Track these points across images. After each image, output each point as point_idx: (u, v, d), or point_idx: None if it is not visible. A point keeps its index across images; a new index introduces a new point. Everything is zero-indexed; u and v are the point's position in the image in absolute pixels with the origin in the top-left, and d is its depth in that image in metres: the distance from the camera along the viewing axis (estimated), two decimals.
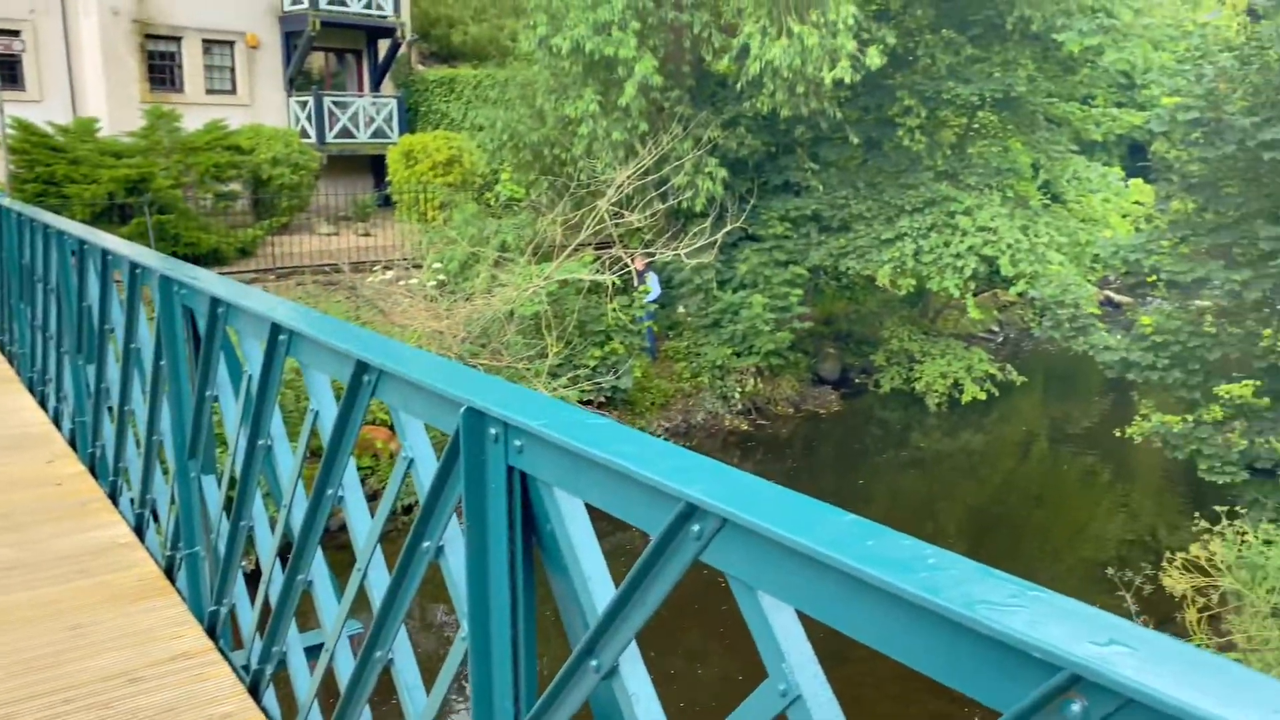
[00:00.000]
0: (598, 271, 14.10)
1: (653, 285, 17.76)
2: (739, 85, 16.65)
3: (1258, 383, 12.42)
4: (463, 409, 1.99)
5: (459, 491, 2.06)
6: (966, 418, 19.19)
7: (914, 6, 19.51)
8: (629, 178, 14.16)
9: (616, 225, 14.51)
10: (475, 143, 19.97)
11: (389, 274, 15.16)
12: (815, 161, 19.39)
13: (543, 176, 18.36)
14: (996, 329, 25.52)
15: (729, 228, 16.03)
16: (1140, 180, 22.76)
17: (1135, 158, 28.37)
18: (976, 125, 20.70)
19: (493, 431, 1.96)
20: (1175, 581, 8.59)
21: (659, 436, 16.97)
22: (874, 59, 15.33)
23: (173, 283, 3.89)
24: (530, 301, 13.42)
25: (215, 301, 3.51)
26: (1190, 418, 12.42)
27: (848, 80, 15.22)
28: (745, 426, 18.17)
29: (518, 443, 1.91)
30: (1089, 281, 17.94)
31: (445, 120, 25.52)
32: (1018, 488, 17.34)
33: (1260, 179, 12.72)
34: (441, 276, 15.34)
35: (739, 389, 18.38)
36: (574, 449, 1.72)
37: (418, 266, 17.46)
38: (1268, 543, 8.51)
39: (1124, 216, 20.66)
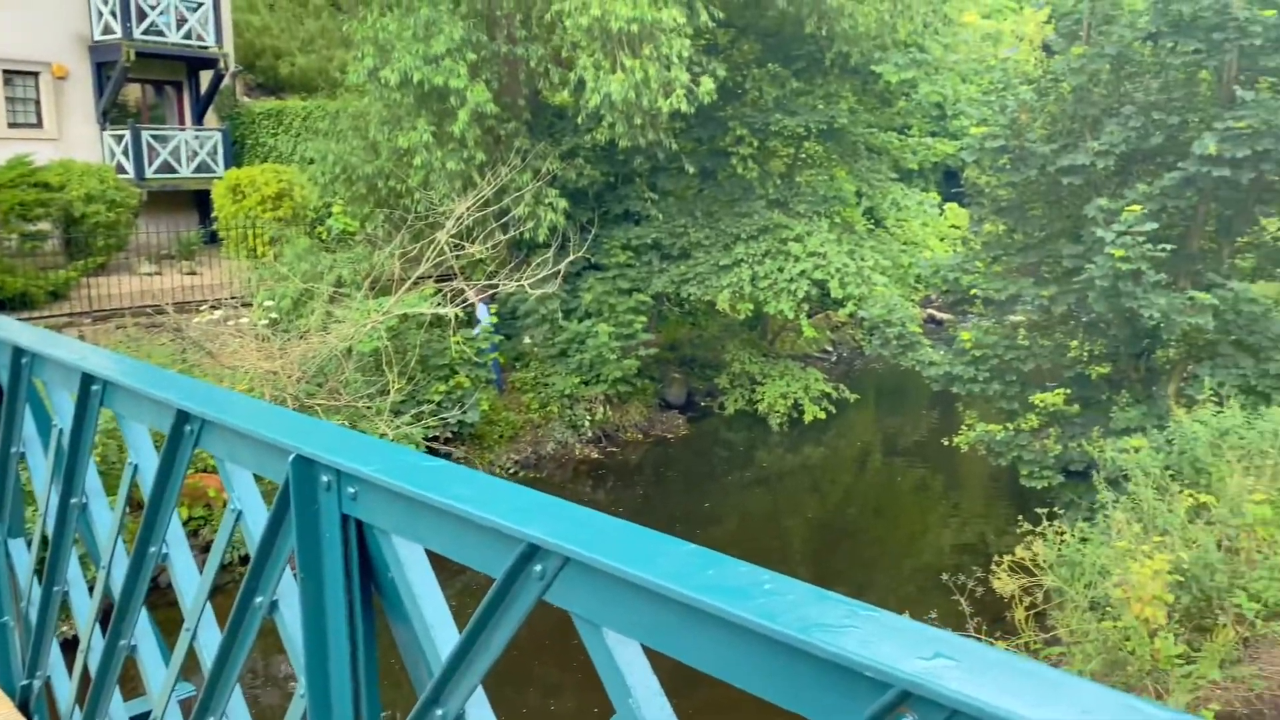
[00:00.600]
0: (439, 305, 13.88)
1: (482, 316, 17.51)
2: (578, 118, 16.81)
3: (1068, 391, 13.34)
4: (292, 457, 1.91)
5: (291, 543, 1.98)
6: (807, 435, 19.83)
7: (741, 42, 20.22)
8: (468, 209, 14.02)
9: (458, 257, 14.33)
10: (307, 176, 19.39)
11: (217, 314, 14.49)
12: (654, 191, 19.76)
13: (378, 209, 18.00)
14: (830, 349, 26.51)
15: (572, 257, 16.10)
16: (955, 205, 24.19)
17: (950, 183, 30.16)
18: (804, 155, 21.56)
19: (324, 479, 1.89)
20: (1004, 583, 9.08)
21: (509, 469, 16.86)
22: (706, 90, 15.76)
23: None
24: (369, 338, 13.07)
25: (18, 351, 3.27)
26: (1010, 426, 13.22)
27: (683, 111, 15.60)
28: (596, 455, 18.21)
29: (351, 490, 1.84)
30: (912, 301, 18.94)
31: (274, 153, 24.69)
32: (857, 500, 18.01)
33: (1060, 201, 13.73)
34: (274, 315, 14.76)
35: (589, 418, 18.43)
36: (410, 494, 1.68)
37: (248, 305, 16.75)
38: (1084, 540, 9.10)
39: (941, 239, 21.90)
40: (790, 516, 16.79)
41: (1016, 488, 15.74)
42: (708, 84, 15.66)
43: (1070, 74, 12.27)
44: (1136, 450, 10.24)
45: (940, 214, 22.98)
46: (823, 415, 19.53)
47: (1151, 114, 11.83)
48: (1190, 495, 9.35)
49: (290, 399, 12.06)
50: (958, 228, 22.78)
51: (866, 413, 22.24)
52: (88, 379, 2.81)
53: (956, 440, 14.08)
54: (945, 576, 10.71)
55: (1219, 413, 10.00)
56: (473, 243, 13.95)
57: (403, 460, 1.82)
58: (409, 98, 15.75)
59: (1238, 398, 10.60)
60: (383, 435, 13.26)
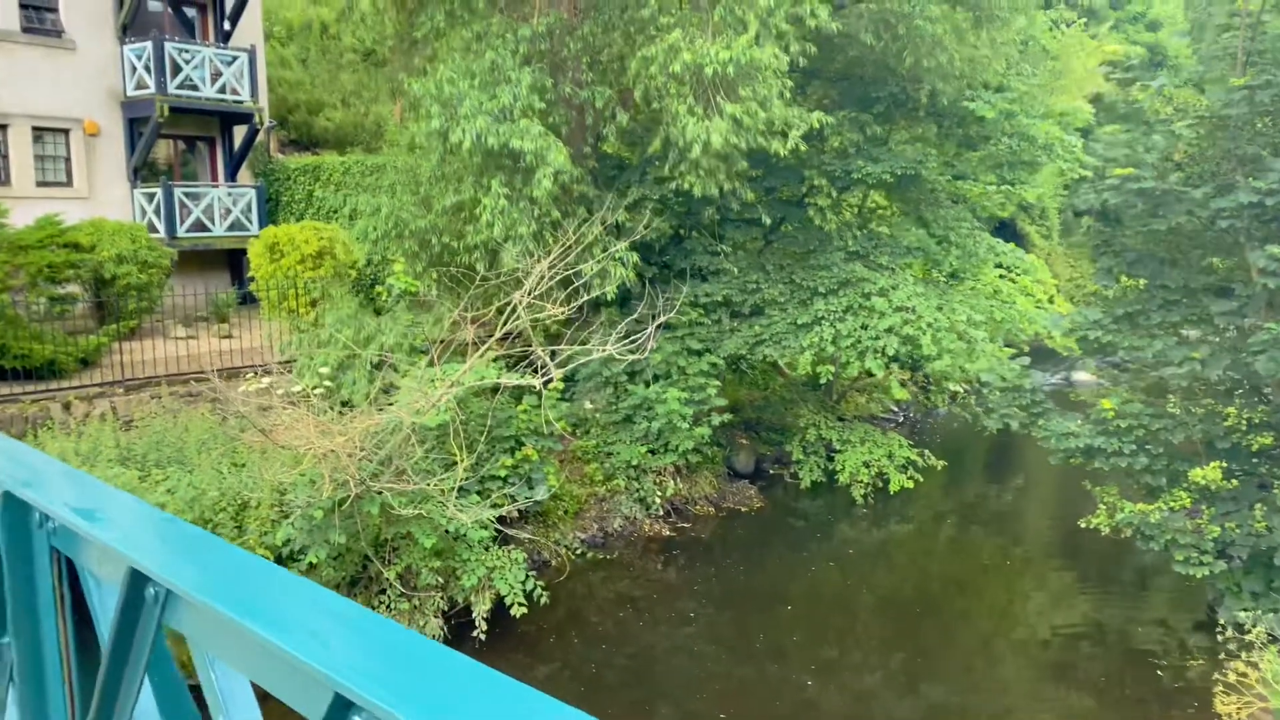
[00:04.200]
0: (521, 374, 12.45)
1: None
2: (649, 166, 15.54)
3: (1222, 464, 11.78)
4: None
5: None
6: (891, 506, 18.23)
7: (809, 87, 19.03)
8: (550, 269, 12.66)
9: (530, 320, 12.94)
10: (354, 232, 18.15)
11: (265, 381, 13.14)
12: (722, 243, 18.45)
13: (431, 268, 16.68)
14: (896, 409, 24.99)
15: (661, 321, 14.60)
16: (1033, 256, 22.80)
17: (999, 232, 28.82)
18: (874, 204, 20.27)
19: None
20: (1229, 706, 7.51)
21: (576, 550, 15.28)
22: (820, 119, 14.67)
23: None
24: (438, 410, 11.67)
25: None
26: (1163, 506, 11.62)
27: (803, 149, 14.43)
28: (666, 531, 16.67)
29: None
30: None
31: (310, 210, 23.57)
32: (954, 582, 16.32)
33: (1205, 248, 12.29)
34: (329, 383, 13.40)
35: (658, 492, 16.87)
36: None
37: (292, 370, 15.41)
38: None
39: (1027, 295, 20.47)
40: (877, 597, 15.14)
41: (1103, 563, 14.19)
42: (816, 120, 14.52)
43: (1229, 107, 10.92)
44: None
45: (1028, 264, 21.42)
46: (910, 484, 17.93)
47: None
48: None
49: (353, 481, 10.64)
50: (1041, 281, 21.38)
51: (942, 479, 20.65)
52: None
53: (1094, 521, 12.46)
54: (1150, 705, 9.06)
55: None
56: (551, 304, 12.56)
57: None
58: (476, 157, 14.45)
59: None
60: (450, 519, 11.79)
